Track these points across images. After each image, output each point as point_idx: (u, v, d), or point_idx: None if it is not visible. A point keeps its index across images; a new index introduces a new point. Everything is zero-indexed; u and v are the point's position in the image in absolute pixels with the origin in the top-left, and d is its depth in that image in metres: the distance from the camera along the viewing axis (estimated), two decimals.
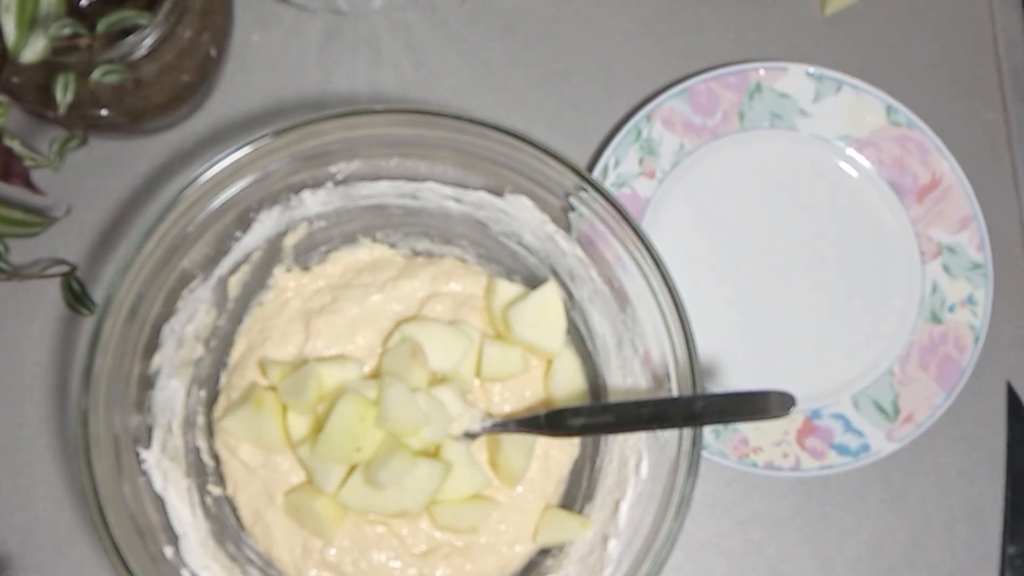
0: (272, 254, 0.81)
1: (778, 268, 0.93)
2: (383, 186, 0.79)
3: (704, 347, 0.79)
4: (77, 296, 0.85)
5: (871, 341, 0.92)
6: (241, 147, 0.70)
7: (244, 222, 0.77)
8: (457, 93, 0.94)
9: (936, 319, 0.91)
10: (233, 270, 0.80)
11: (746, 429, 0.88)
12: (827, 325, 0.92)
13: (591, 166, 0.93)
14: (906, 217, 0.93)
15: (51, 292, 0.87)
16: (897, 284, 0.93)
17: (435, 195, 0.80)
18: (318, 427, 0.76)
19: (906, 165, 0.93)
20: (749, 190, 0.94)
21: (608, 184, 0.90)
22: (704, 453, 0.85)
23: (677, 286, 0.72)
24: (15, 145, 0.75)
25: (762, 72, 0.93)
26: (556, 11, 0.97)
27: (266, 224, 0.78)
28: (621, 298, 0.77)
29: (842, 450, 0.88)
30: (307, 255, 0.84)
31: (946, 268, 0.92)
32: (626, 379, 0.79)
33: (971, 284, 0.91)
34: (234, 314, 0.82)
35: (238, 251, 0.78)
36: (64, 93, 0.70)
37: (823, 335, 0.92)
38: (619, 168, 0.91)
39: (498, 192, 0.78)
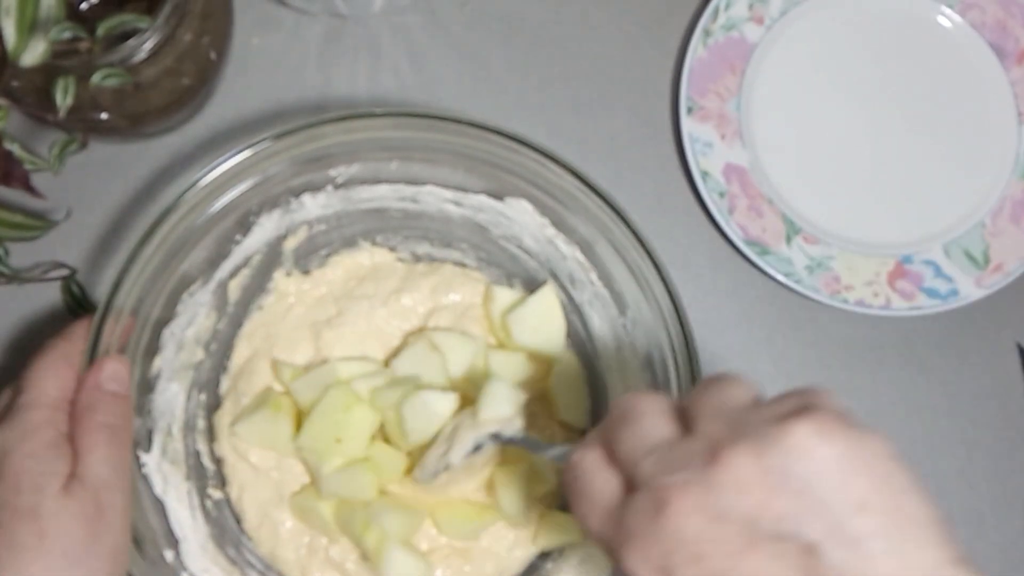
0: (272, 258, 0.81)
1: (877, 120, 0.97)
2: (383, 189, 0.79)
3: (803, 191, 0.93)
4: (77, 299, 0.84)
5: (964, 194, 0.96)
6: (241, 150, 0.70)
7: (244, 225, 0.77)
8: (457, 96, 0.94)
9: None
10: (233, 274, 0.79)
11: (838, 268, 0.92)
12: (922, 177, 0.96)
13: (702, 7, 0.96)
14: (1005, 78, 0.97)
15: (51, 295, 0.87)
16: (993, 141, 0.97)
17: (435, 198, 0.80)
18: None
19: (1008, 28, 0.97)
20: (853, 43, 0.97)
21: (717, 26, 0.94)
22: (797, 287, 0.90)
23: (677, 289, 0.72)
24: (15, 148, 0.75)
25: None
26: (556, 14, 0.96)
27: (266, 227, 0.78)
28: (621, 302, 0.77)
29: (932, 293, 0.92)
30: (307, 259, 0.84)
31: None
32: (626, 382, 0.79)
33: None
34: (234, 318, 0.82)
35: (238, 255, 0.78)
36: (64, 96, 0.70)
37: (917, 186, 0.96)
38: (729, 11, 0.95)
39: (498, 196, 0.78)
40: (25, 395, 0.64)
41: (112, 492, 0.62)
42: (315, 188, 0.77)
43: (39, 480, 0.60)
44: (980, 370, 0.94)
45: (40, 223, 0.80)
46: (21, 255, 0.86)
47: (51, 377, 0.64)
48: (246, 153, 0.70)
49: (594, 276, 0.78)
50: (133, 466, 0.71)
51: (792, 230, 0.92)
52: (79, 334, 0.67)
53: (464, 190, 0.79)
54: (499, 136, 0.72)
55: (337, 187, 0.78)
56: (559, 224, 0.77)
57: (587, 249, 0.77)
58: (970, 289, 0.92)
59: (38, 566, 0.58)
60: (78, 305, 0.84)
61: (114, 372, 0.66)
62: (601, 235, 0.74)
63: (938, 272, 0.93)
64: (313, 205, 0.79)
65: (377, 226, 0.83)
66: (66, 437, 0.63)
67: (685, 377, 0.71)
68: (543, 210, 0.77)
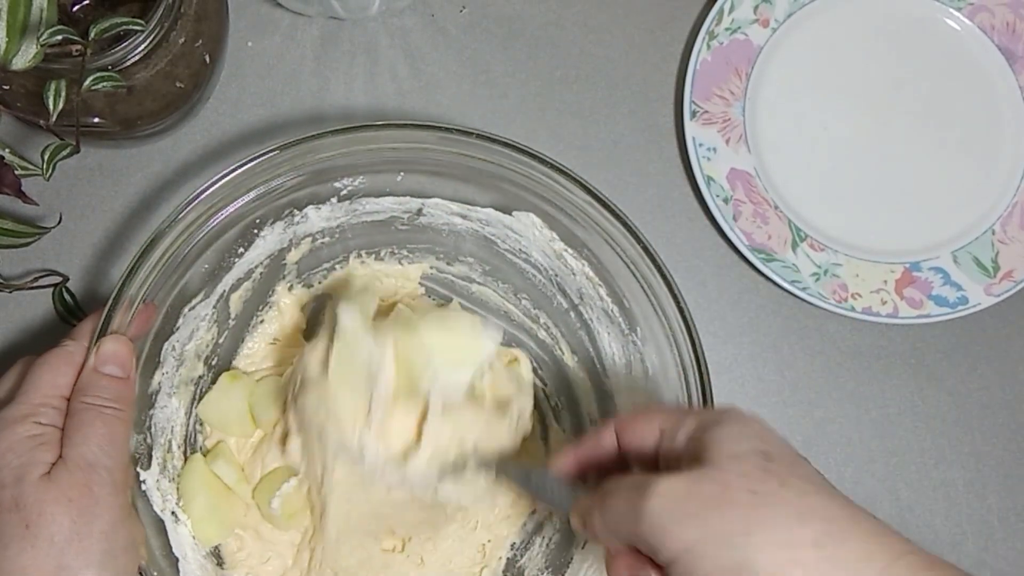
0: (275, 271, 0.80)
1: (884, 124, 0.96)
2: (388, 202, 0.78)
3: (809, 196, 0.92)
4: (69, 308, 0.83)
5: (973, 200, 0.95)
6: (246, 163, 0.68)
7: (247, 238, 0.75)
8: (456, 101, 0.93)
9: None
10: (235, 287, 0.78)
11: (845, 275, 0.91)
12: (930, 182, 0.95)
13: (706, 10, 0.95)
14: (1015, 83, 0.96)
15: (43, 304, 0.85)
16: (1002, 146, 0.96)
17: (441, 211, 0.79)
18: None
19: (1018, 31, 0.96)
20: (860, 47, 0.97)
21: (722, 29, 0.93)
22: (803, 295, 0.89)
23: (687, 304, 0.70)
24: (6, 154, 0.74)
25: None
26: (557, 17, 0.95)
27: (269, 240, 0.77)
28: (630, 318, 0.76)
29: (940, 301, 0.92)
30: (310, 272, 0.82)
31: None
32: (636, 399, 0.78)
33: None
34: (235, 332, 0.81)
35: (240, 268, 0.77)
36: (56, 101, 0.69)
37: (925, 192, 0.95)
38: (734, 13, 0.94)
39: (506, 209, 0.77)
40: (16, 395, 0.64)
41: (100, 471, 0.61)
42: (319, 200, 0.76)
43: (18, 472, 0.60)
44: (990, 379, 0.93)
45: (31, 229, 0.79)
46: (11, 262, 0.85)
47: (45, 374, 0.64)
48: (249, 165, 0.69)
49: (603, 292, 0.77)
50: (133, 484, 0.70)
51: (798, 236, 0.91)
52: (83, 332, 0.67)
53: (471, 203, 0.78)
54: (508, 149, 0.70)
55: (341, 199, 0.77)
56: (568, 239, 0.76)
57: (596, 264, 0.76)
58: (979, 297, 0.92)
59: (27, 556, 0.58)
60: (70, 314, 0.83)
61: (113, 354, 0.65)
62: (611, 250, 0.73)
63: (947, 279, 0.92)
64: (317, 217, 0.77)
65: (382, 239, 0.82)
66: (53, 429, 0.63)
67: (697, 398, 0.70)
68: (551, 224, 0.76)
